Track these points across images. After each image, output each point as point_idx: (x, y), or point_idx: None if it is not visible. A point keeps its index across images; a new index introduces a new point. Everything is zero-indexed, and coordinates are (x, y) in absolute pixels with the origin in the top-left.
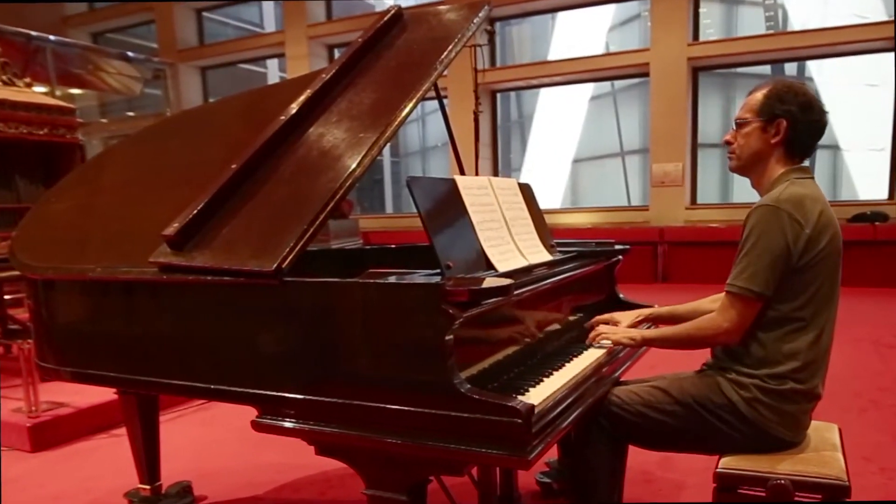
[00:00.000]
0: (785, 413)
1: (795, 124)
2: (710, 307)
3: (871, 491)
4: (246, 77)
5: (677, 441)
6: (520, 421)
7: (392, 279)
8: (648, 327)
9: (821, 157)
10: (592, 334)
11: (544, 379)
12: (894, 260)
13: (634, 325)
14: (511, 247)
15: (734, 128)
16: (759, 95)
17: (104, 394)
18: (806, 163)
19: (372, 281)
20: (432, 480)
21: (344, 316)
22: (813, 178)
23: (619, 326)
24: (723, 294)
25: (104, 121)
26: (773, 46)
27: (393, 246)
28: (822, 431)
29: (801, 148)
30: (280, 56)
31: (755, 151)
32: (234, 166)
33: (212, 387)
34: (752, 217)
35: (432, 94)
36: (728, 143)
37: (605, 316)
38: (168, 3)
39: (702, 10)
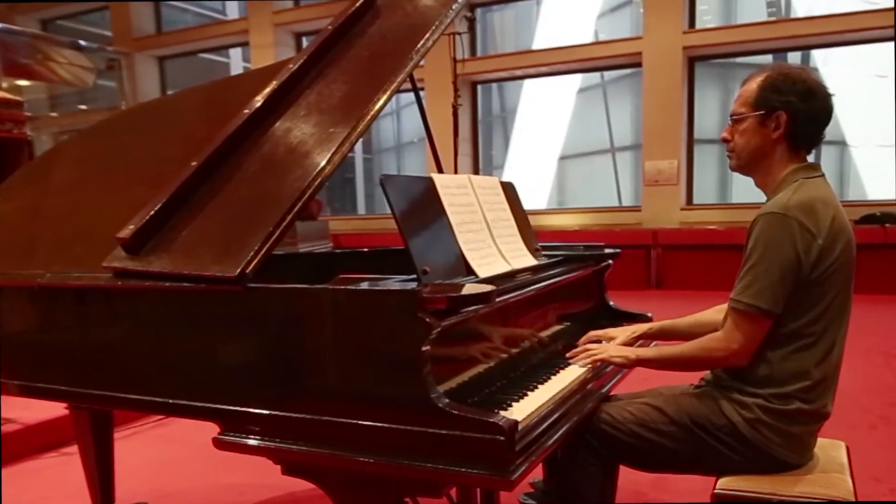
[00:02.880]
0: (790, 435)
1: (797, 115)
2: (715, 318)
3: None
4: (207, 67)
5: (673, 462)
6: (502, 438)
7: (364, 285)
8: (639, 345)
9: (826, 153)
10: (578, 351)
11: (529, 393)
12: None
13: (630, 343)
14: (493, 250)
15: (730, 123)
16: (753, 86)
17: (54, 409)
18: (812, 156)
19: (342, 287)
20: (408, 502)
21: (312, 325)
22: (823, 175)
23: (615, 342)
24: (726, 306)
25: (54, 115)
26: (776, 34)
27: (365, 249)
28: (829, 450)
29: (806, 140)
30: (244, 45)
31: (756, 149)
32: (194, 164)
33: (170, 401)
34: (758, 225)
35: (408, 85)
36: (725, 140)
37: (600, 332)
38: None
39: None
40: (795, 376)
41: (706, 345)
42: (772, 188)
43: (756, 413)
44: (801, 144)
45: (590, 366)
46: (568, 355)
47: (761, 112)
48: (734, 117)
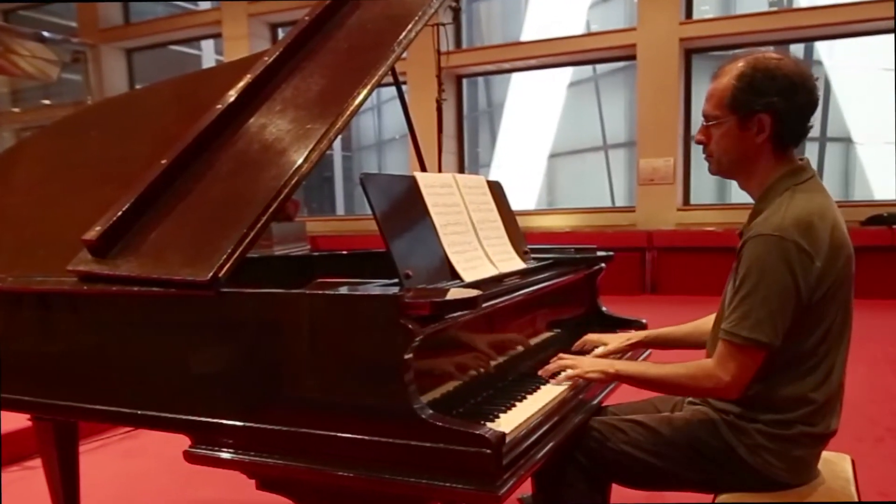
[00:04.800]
0: (793, 458)
1: (781, 116)
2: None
3: None
4: (177, 60)
5: (667, 482)
6: (489, 451)
7: (343, 290)
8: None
9: (831, 151)
10: (553, 365)
11: (517, 404)
12: None
13: (623, 351)
14: (479, 253)
15: (704, 122)
16: (726, 82)
17: (16, 420)
18: (816, 151)
19: (321, 292)
20: None
21: (289, 332)
22: (814, 175)
23: (606, 349)
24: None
25: (16, 110)
26: (777, 26)
27: (344, 252)
28: (834, 463)
29: (793, 137)
30: (216, 36)
31: (738, 154)
32: (163, 162)
33: (139, 412)
34: (751, 248)
35: (389, 79)
36: (701, 142)
37: (594, 337)
38: None
39: None
40: (796, 402)
41: (694, 372)
42: (759, 195)
43: (756, 439)
44: (787, 142)
45: (565, 384)
46: (540, 372)
47: (739, 115)
48: (708, 121)
